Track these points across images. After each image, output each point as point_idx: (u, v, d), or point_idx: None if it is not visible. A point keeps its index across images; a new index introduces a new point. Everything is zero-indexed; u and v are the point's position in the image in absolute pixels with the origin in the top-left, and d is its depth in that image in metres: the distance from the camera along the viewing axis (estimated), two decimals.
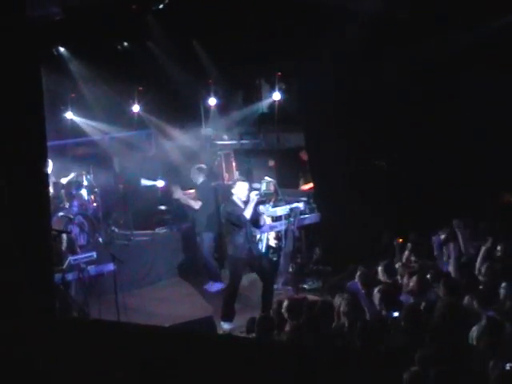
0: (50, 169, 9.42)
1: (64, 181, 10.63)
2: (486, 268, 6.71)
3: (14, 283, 5.22)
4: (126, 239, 10.43)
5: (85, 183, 10.71)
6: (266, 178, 10.35)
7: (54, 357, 4.43)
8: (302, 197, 10.37)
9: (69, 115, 12.01)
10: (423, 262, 7.53)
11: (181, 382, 4.25)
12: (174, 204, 10.94)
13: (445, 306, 5.47)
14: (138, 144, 12.74)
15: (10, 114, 5.38)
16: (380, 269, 7.15)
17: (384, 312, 6.01)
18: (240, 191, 8.36)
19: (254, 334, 6.12)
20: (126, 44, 10.88)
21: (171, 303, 9.20)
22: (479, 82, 8.43)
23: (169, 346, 4.58)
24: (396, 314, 5.85)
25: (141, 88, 12.20)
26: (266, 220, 9.62)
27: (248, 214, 8.23)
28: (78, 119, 12.10)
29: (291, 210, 9.68)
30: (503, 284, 6.09)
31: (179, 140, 12.40)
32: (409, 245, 7.90)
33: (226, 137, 12.80)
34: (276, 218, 9.81)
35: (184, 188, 10.53)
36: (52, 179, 9.84)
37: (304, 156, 11.19)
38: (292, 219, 9.64)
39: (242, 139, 12.63)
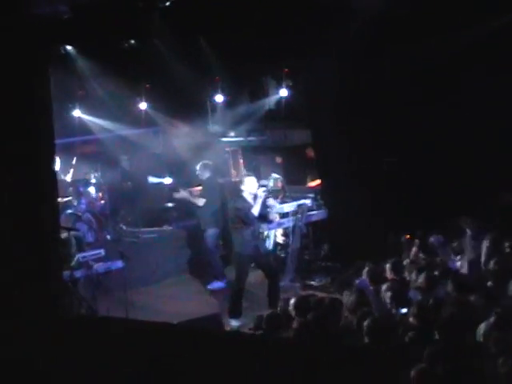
0: (57, 166, 9.46)
1: (68, 178, 10.66)
2: (494, 264, 6.68)
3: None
4: (134, 237, 10.42)
5: (93, 181, 10.74)
6: (274, 174, 10.36)
7: (62, 353, 4.44)
8: (309, 193, 10.36)
9: (76, 113, 12.04)
10: (431, 259, 7.52)
11: (188, 379, 4.26)
12: (181, 202, 10.95)
13: (453, 303, 5.46)
14: (146, 141, 12.75)
15: (18, 113, 5.41)
16: (388, 266, 7.12)
17: (393, 309, 6.00)
18: (249, 187, 8.33)
19: (261, 331, 6.12)
20: (132, 42, 10.86)
21: (179, 300, 9.20)
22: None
23: (176, 343, 4.60)
24: (404, 310, 5.84)
25: (148, 85, 12.18)
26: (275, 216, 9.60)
27: (256, 211, 8.22)
28: (85, 117, 12.13)
29: (298, 206, 9.65)
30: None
31: (186, 137, 12.40)
32: (416, 241, 7.88)
33: (232, 134, 12.79)
34: (283, 215, 9.78)
35: (191, 185, 10.53)
36: (61, 177, 9.88)
37: (311, 153, 11.17)
38: (299, 216, 9.63)
39: (249, 136, 12.62)
